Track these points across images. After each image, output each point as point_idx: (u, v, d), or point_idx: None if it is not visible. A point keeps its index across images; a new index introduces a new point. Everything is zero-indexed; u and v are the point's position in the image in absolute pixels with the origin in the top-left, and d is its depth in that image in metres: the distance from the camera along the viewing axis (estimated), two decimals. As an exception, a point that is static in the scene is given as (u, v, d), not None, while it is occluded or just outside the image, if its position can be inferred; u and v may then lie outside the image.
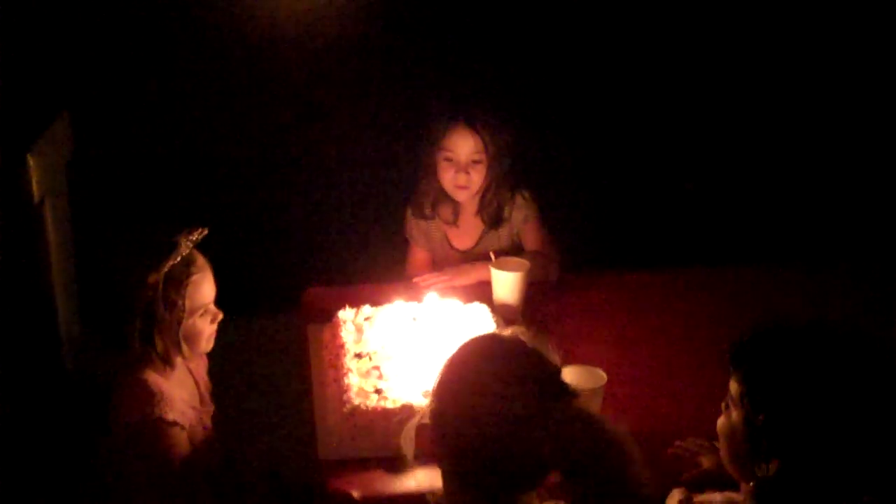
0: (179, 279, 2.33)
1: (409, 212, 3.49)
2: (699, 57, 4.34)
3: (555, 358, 1.84)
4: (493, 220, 3.38)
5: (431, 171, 3.34)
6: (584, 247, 3.92)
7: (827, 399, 1.78)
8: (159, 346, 2.35)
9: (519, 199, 3.39)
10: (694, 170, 4.49)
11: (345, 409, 2.37)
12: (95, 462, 2.48)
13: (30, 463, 3.14)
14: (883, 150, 4.41)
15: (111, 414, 2.37)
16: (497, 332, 2.45)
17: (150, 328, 2.33)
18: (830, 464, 1.79)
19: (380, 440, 2.32)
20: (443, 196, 3.39)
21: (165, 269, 2.30)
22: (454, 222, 3.44)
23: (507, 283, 2.98)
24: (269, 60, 4.13)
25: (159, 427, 2.31)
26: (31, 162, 3.21)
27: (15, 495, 3.01)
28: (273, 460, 3.05)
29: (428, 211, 3.43)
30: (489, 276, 3.03)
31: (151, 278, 2.29)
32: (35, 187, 3.25)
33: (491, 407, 1.71)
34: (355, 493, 2.23)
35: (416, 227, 3.48)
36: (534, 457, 1.69)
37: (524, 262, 3.03)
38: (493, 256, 3.09)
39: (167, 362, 2.40)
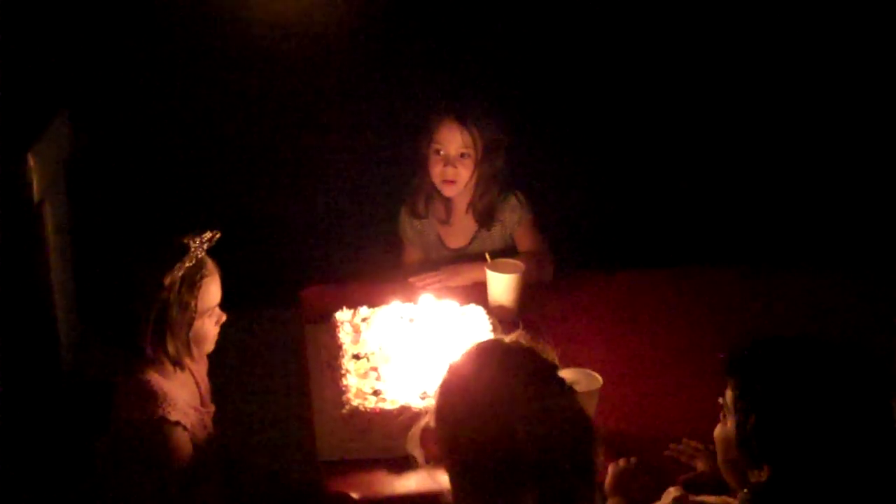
0: (193, 281, 2.35)
1: (403, 211, 3.53)
2: (694, 56, 4.35)
3: (553, 356, 1.89)
4: (484, 218, 3.42)
5: (424, 167, 3.38)
6: (578, 247, 3.93)
7: (816, 405, 1.81)
8: (170, 347, 2.37)
9: (513, 201, 3.42)
10: (688, 169, 4.50)
11: (343, 411, 2.38)
12: (95, 463, 2.49)
13: (28, 464, 3.14)
14: (882, 152, 4.42)
15: (113, 414, 2.37)
16: (499, 337, 2.49)
17: (161, 330, 2.35)
18: (820, 470, 1.82)
19: (378, 441, 2.34)
20: (435, 193, 3.42)
21: (182, 272, 2.33)
22: (447, 221, 3.48)
23: (502, 285, 3.00)
24: (266, 61, 4.14)
25: (162, 427, 2.32)
26: (31, 162, 3.20)
27: (14, 497, 3.02)
28: (272, 461, 3.07)
29: (421, 209, 3.47)
30: (484, 276, 3.05)
31: (167, 280, 2.31)
32: (35, 188, 3.24)
33: (493, 405, 1.74)
34: (354, 494, 2.24)
35: (410, 227, 3.52)
36: (536, 454, 1.72)
37: (519, 264, 3.06)
38: (488, 258, 3.11)
39: (177, 364, 2.42)
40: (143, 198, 4.03)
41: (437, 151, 3.32)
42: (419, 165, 3.42)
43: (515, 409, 1.73)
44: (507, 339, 1.93)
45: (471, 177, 3.34)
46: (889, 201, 4.36)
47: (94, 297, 3.47)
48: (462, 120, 3.29)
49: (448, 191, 3.37)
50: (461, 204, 3.44)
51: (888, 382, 1.86)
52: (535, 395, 1.75)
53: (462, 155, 3.30)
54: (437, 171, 3.34)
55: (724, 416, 1.95)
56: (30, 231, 3.32)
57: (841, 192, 4.47)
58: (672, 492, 2.02)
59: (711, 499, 1.98)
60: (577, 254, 3.79)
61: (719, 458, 2.00)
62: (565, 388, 1.81)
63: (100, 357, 2.59)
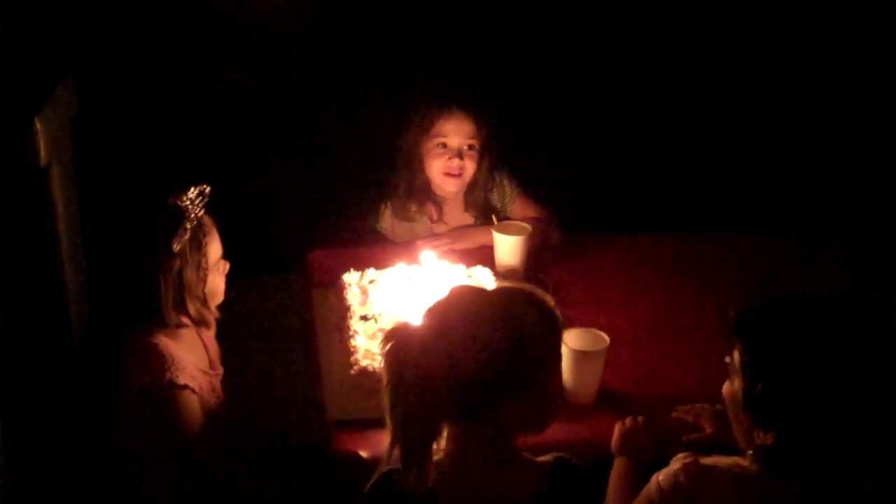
0: (198, 240, 2.39)
1: (387, 212, 3.41)
2: (698, 20, 4.33)
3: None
4: (483, 211, 3.35)
5: (417, 164, 3.30)
6: (584, 211, 3.94)
7: (824, 375, 1.81)
8: (191, 309, 2.41)
9: (502, 181, 3.39)
10: (692, 132, 4.50)
11: (352, 371, 2.40)
12: (105, 430, 2.51)
13: (38, 435, 3.16)
14: (885, 120, 4.41)
15: (122, 379, 2.40)
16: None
17: (180, 294, 2.38)
18: (827, 436, 1.82)
19: (387, 401, 2.36)
20: (430, 193, 3.35)
21: (187, 236, 2.35)
22: (439, 220, 3.40)
23: (509, 247, 3.01)
24: (271, 30, 4.13)
25: (171, 391, 2.34)
26: (38, 126, 3.20)
27: (25, 468, 3.03)
28: (282, 422, 3.09)
29: (412, 212, 3.37)
30: (491, 239, 3.06)
31: (176, 246, 2.33)
32: (42, 152, 3.24)
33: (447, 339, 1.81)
34: (363, 453, 2.25)
35: (398, 227, 3.41)
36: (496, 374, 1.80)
37: (526, 226, 3.07)
38: (495, 220, 3.12)
39: (201, 323, 2.46)
40: (148, 164, 4.03)
41: (441, 144, 3.25)
42: (409, 163, 3.31)
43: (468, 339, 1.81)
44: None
45: (475, 171, 3.28)
46: (888, 167, 4.36)
47: (102, 263, 3.49)
48: (466, 109, 3.24)
49: (451, 185, 3.30)
50: (455, 202, 3.38)
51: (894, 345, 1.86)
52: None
53: (469, 147, 3.25)
54: (438, 165, 3.26)
55: (732, 375, 1.97)
56: (38, 195, 3.32)
57: (847, 156, 4.46)
58: (681, 457, 2.02)
59: (723, 459, 1.99)
60: (584, 217, 3.80)
61: (729, 414, 2.02)
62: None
63: (109, 324, 2.59)
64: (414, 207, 3.36)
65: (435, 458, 1.87)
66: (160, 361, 2.36)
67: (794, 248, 3.27)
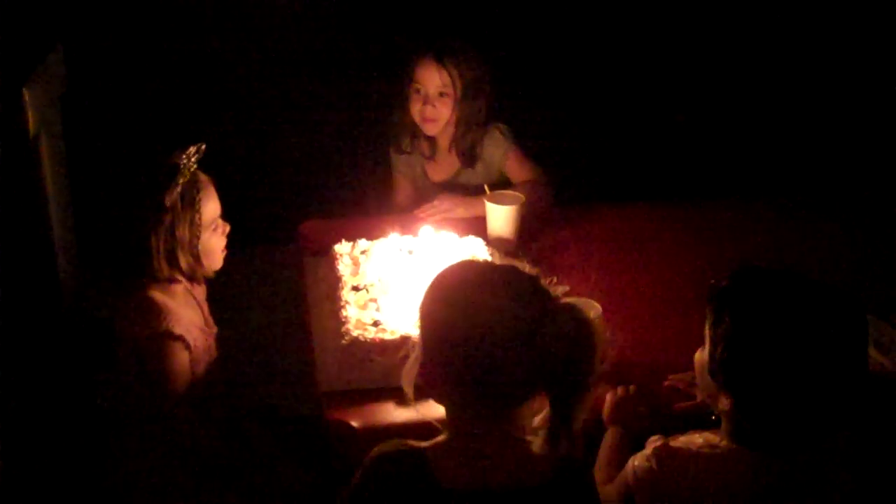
0: (191, 196, 2.39)
1: (391, 147, 3.57)
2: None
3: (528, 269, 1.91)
4: (466, 158, 3.44)
5: (405, 104, 3.41)
6: (576, 180, 3.92)
7: (783, 346, 1.82)
8: (183, 264, 2.41)
9: (496, 135, 3.44)
10: (685, 101, 4.48)
11: (343, 342, 2.39)
12: (96, 394, 2.51)
13: (28, 401, 3.16)
14: (879, 91, 4.39)
15: (118, 331, 2.42)
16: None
17: (173, 249, 2.38)
18: (785, 411, 1.84)
19: (378, 371, 2.35)
20: (418, 129, 3.45)
21: (179, 189, 2.34)
22: (431, 157, 3.51)
23: (501, 217, 3.00)
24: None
25: (166, 341, 2.36)
26: (26, 96, 3.20)
27: (15, 433, 3.04)
28: (272, 392, 3.09)
29: (406, 145, 3.52)
30: (485, 209, 3.04)
31: (168, 201, 2.33)
32: (31, 122, 3.24)
33: (474, 320, 1.75)
34: (354, 423, 2.25)
35: (398, 160, 3.57)
36: (524, 364, 1.73)
37: (519, 196, 3.06)
38: (487, 190, 3.11)
39: (192, 279, 2.47)
40: (139, 134, 4.01)
41: (417, 90, 3.34)
42: (399, 102, 3.43)
43: (501, 321, 1.73)
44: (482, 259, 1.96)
45: (451, 115, 3.36)
46: (885, 138, 4.34)
47: (92, 230, 3.48)
48: (440, 59, 3.30)
49: (428, 129, 3.40)
50: (443, 142, 3.47)
51: (862, 325, 1.86)
52: (520, 305, 1.75)
53: (441, 94, 3.32)
54: (416, 110, 3.37)
55: (705, 343, 1.97)
56: (27, 166, 3.32)
57: (840, 126, 4.45)
58: (653, 440, 2.03)
59: (695, 439, 1.99)
60: (575, 186, 3.79)
61: (697, 381, 2.05)
62: (545, 293, 1.81)
63: (98, 286, 2.59)
64: (407, 141, 3.51)
65: (439, 438, 1.84)
66: (156, 312, 2.38)
67: (793, 218, 3.26)
